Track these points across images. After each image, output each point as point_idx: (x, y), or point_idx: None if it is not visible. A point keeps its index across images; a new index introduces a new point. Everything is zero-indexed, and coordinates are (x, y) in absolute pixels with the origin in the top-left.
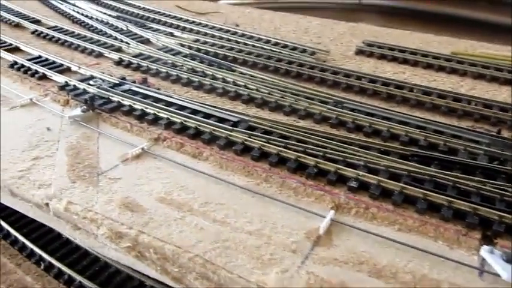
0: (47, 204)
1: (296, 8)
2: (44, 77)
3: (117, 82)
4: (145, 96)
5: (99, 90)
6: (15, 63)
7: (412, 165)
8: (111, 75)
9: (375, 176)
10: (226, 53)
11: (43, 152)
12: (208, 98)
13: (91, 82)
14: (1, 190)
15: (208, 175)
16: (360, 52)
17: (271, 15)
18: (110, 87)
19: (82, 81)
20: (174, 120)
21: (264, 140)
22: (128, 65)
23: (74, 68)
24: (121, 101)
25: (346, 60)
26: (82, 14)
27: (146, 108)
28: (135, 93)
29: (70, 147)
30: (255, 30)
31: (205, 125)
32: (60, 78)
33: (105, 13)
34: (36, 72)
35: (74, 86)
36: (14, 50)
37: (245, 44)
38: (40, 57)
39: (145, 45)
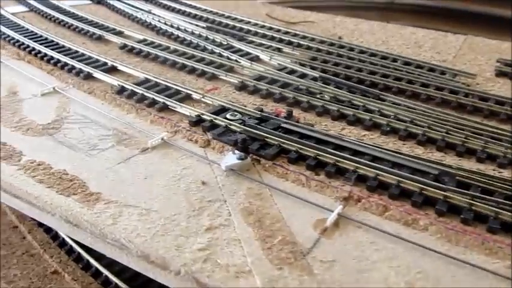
0: None
1: (327, 6)
2: (165, 108)
3: (259, 116)
4: (302, 136)
5: (245, 128)
6: (123, 88)
7: None
8: (244, 106)
9: None
10: (361, 76)
11: (214, 219)
12: (373, 137)
13: (228, 116)
14: (182, 278)
15: (440, 253)
16: (500, 73)
17: (367, 25)
18: (256, 124)
19: (215, 113)
20: (365, 174)
21: (493, 204)
22: (255, 91)
23: (195, 96)
24: (282, 145)
25: (491, 84)
26: (165, 24)
27: (318, 155)
28: (287, 131)
29: (245, 211)
30: (362, 43)
31: (410, 182)
32: (189, 111)
33: (191, 23)
34: (154, 101)
35: (211, 121)
36: (111, 70)
37: (372, 63)
38: (148, 80)
39: (259, 64)
